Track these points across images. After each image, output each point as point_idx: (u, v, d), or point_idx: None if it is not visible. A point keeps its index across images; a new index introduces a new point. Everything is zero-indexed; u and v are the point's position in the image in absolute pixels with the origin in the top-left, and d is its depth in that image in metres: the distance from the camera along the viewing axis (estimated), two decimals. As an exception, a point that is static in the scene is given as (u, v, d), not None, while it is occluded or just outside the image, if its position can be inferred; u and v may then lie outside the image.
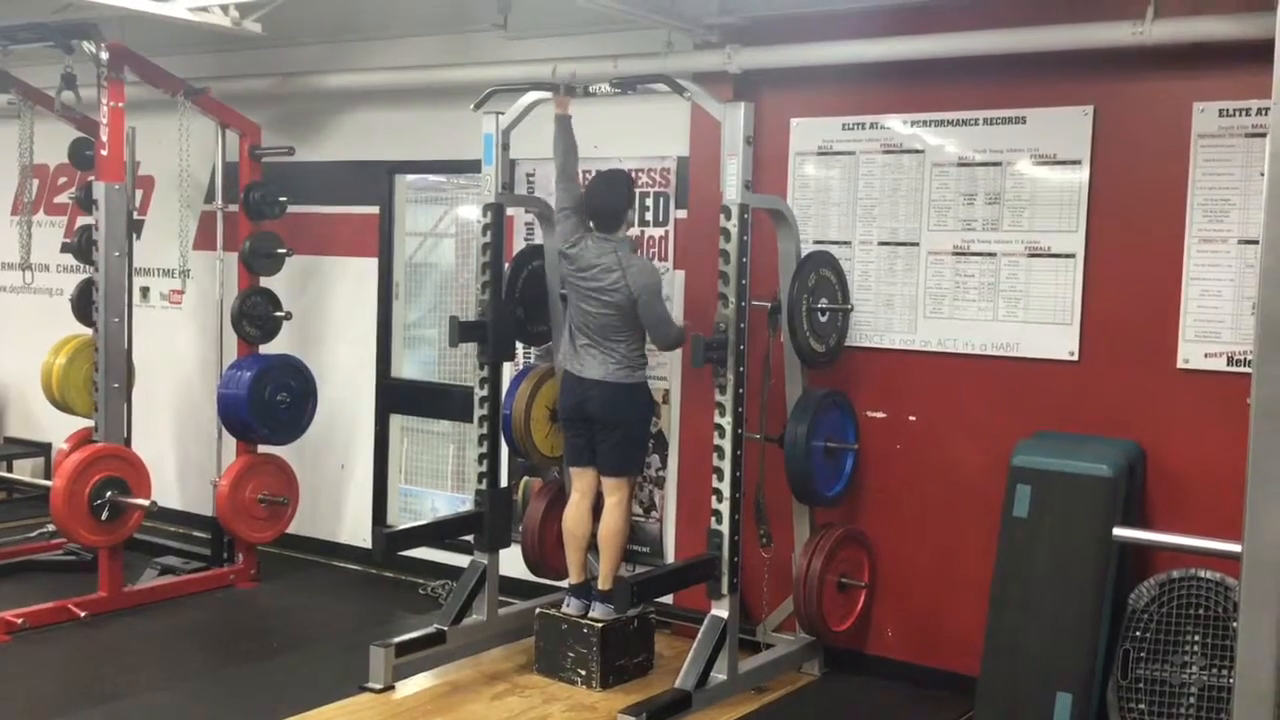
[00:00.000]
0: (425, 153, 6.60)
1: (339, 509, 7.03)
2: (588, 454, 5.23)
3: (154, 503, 5.85)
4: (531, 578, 5.84)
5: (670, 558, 5.88)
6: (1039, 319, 4.99)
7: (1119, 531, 2.86)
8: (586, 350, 5.11)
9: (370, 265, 6.84)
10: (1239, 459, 2.38)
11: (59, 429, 6.92)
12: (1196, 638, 4.36)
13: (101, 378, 5.87)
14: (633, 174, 5.55)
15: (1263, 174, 4.50)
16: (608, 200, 5.11)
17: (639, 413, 5.26)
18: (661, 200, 5.87)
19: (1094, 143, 4.86)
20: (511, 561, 5.65)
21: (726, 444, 4.76)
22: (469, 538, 5.52)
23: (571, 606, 5.19)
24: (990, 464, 4.92)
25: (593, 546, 5.28)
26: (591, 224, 5.13)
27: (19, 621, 5.60)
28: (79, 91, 6.10)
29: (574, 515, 5.29)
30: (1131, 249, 4.82)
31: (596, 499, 5.27)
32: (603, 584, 5.16)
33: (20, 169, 6.73)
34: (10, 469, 8.10)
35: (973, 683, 4.64)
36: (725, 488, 4.78)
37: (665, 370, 5.84)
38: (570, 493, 5.36)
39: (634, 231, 5.67)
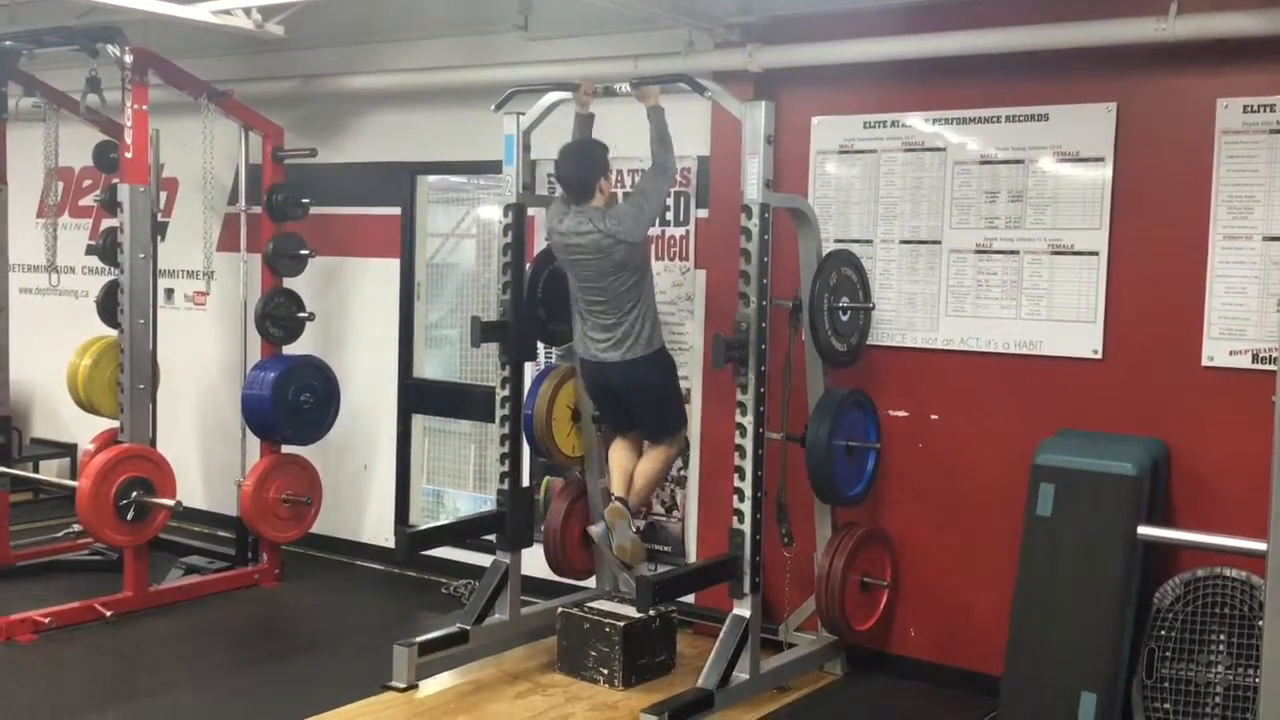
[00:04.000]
0: (446, 154, 6.62)
1: (362, 509, 7.06)
2: (626, 421, 5.27)
3: (179, 503, 5.88)
4: (553, 577, 5.85)
5: (692, 557, 5.88)
6: (1062, 317, 4.97)
7: (1144, 530, 2.84)
8: (598, 333, 5.06)
9: (392, 266, 6.87)
10: (1264, 457, 2.36)
11: (85, 430, 6.97)
12: (1222, 637, 4.33)
13: (127, 379, 5.91)
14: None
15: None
16: (575, 171, 5.03)
17: (664, 379, 5.21)
18: (682, 200, 5.87)
19: (1117, 140, 4.84)
20: (534, 561, 5.66)
21: (748, 443, 4.75)
22: (491, 537, 5.53)
23: (618, 504, 5.16)
24: (1013, 463, 4.90)
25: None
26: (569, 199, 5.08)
27: (45, 621, 5.64)
28: (103, 95, 6.14)
29: (617, 446, 5.31)
30: (1155, 246, 4.80)
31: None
32: (632, 499, 5.19)
33: (46, 172, 6.77)
34: (37, 470, 8.14)
35: (996, 682, 4.62)
36: (747, 487, 4.77)
37: (686, 370, 5.84)
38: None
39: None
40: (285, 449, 6.52)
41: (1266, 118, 4.55)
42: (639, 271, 5.01)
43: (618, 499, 5.18)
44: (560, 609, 5.32)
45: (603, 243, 4.89)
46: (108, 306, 6.37)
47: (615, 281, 4.97)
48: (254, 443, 6.54)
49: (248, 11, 5.47)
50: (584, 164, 5.04)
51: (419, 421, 6.96)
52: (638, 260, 5.00)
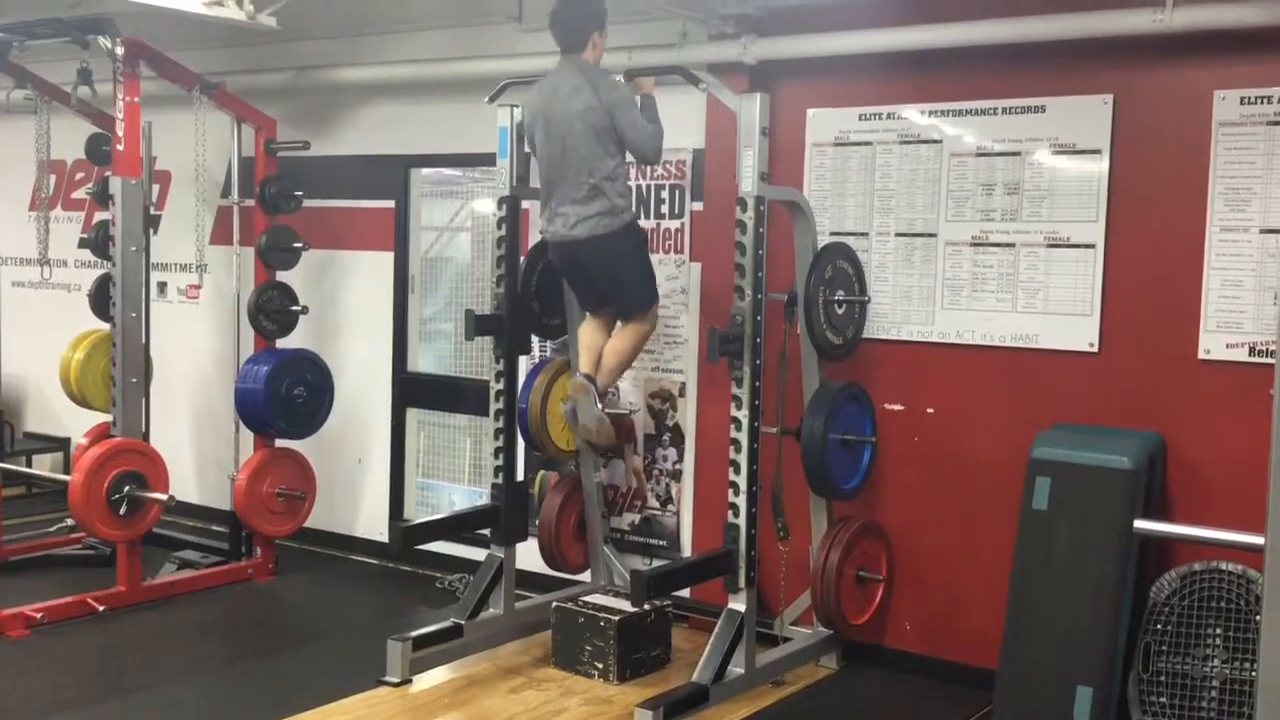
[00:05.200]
0: (441, 146, 6.59)
1: (356, 503, 7.04)
2: (594, 300, 5.12)
3: (172, 497, 5.86)
4: (548, 571, 5.85)
5: (687, 551, 5.87)
6: (1058, 310, 4.96)
7: (1140, 524, 2.83)
8: (568, 206, 4.86)
9: (386, 259, 6.84)
10: (1261, 450, 2.34)
11: (77, 424, 6.95)
12: (1218, 631, 4.32)
13: (119, 373, 5.88)
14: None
15: (1285, 162, 4.47)
16: (570, 11, 4.85)
17: (636, 252, 5.03)
18: (677, 192, 5.85)
19: (1114, 132, 4.82)
20: (528, 555, 5.65)
21: (743, 437, 4.74)
22: (485, 531, 5.51)
23: (580, 378, 5.00)
24: (1009, 456, 4.88)
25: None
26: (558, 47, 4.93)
27: (38, 616, 5.62)
28: (95, 87, 6.12)
29: (587, 326, 5.15)
30: (1152, 239, 4.78)
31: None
32: (600, 377, 5.00)
33: (38, 164, 6.75)
34: (29, 464, 8.12)
35: (992, 676, 4.61)
36: (742, 481, 4.76)
37: (681, 364, 5.82)
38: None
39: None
40: (279, 443, 6.50)
41: (1264, 109, 4.53)
42: (620, 151, 4.84)
43: (583, 375, 4.99)
44: (555, 603, 5.30)
45: (591, 116, 4.73)
46: (100, 300, 6.35)
47: (596, 144, 4.77)
48: (247, 436, 6.52)
49: (240, 3, 5.43)
50: (577, 5, 4.88)
51: (413, 415, 6.94)
52: (620, 134, 4.80)
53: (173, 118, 6.58)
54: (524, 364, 5.67)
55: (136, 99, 5.79)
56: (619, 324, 5.10)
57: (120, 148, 5.80)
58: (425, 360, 7.04)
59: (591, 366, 5.05)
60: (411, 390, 6.88)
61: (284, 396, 6.31)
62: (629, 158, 4.90)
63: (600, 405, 4.94)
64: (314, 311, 6.68)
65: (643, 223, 5.71)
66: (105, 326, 6.29)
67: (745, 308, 4.70)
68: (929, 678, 5.23)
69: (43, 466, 8.18)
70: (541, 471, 6.26)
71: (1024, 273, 5.03)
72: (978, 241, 5.13)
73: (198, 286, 7.08)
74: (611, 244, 4.88)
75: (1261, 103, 4.54)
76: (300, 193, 6.46)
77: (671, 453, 5.91)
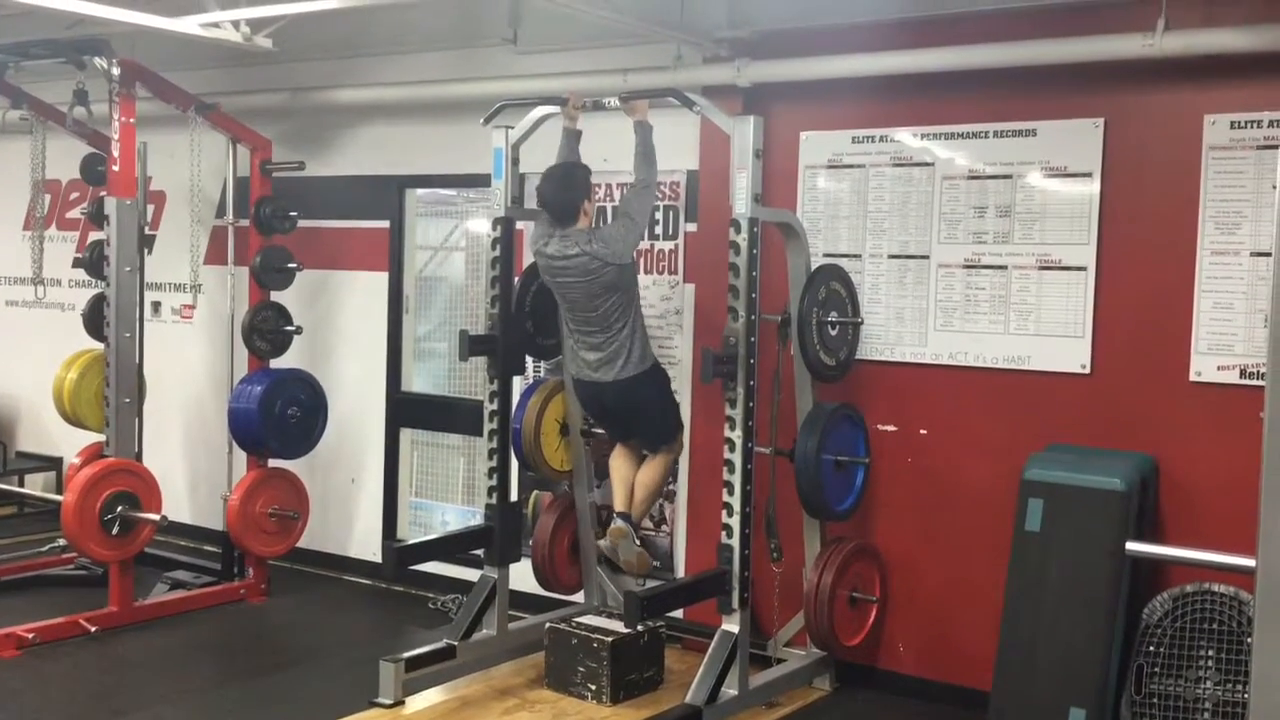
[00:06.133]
0: (435, 167, 6.61)
1: (349, 523, 7.03)
2: (621, 432, 5.32)
3: (164, 517, 5.85)
4: (541, 592, 5.83)
5: (681, 572, 5.86)
6: (1050, 332, 4.98)
7: (1132, 546, 2.83)
8: (589, 352, 5.06)
9: (380, 279, 6.85)
10: (1252, 472, 2.36)
11: (70, 443, 6.93)
12: (1211, 652, 4.32)
13: (113, 392, 5.88)
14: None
15: (1275, 186, 4.51)
16: (558, 195, 5.01)
17: (659, 394, 5.23)
18: (671, 214, 5.87)
19: (1105, 155, 4.85)
20: (522, 576, 5.64)
21: (737, 458, 4.74)
22: (479, 552, 5.51)
23: (621, 523, 5.17)
24: (1002, 477, 4.89)
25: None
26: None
27: (29, 636, 5.61)
28: (90, 107, 6.13)
29: (617, 455, 5.34)
30: (1143, 261, 4.81)
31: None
32: (635, 509, 5.23)
33: (33, 184, 6.76)
34: (22, 483, 8.11)
35: (985, 698, 4.61)
36: (736, 502, 4.77)
37: (676, 384, 5.83)
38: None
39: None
40: (272, 463, 6.49)
41: (1254, 133, 4.56)
42: (627, 291, 5.01)
43: (620, 516, 5.19)
44: (548, 624, 5.30)
45: (590, 265, 4.89)
46: (94, 319, 6.35)
47: (604, 302, 4.96)
48: (240, 456, 6.51)
49: (236, 24, 5.47)
50: (567, 187, 5.02)
51: (407, 435, 6.94)
52: (626, 280, 5.00)
53: (168, 138, 6.60)
54: (518, 384, 5.68)
55: (132, 119, 5.81)
56: (646, 454, 5.29)
57: (115, 168, 5.81)
58: (419, 380, 7.04)
59: (625, 503, 5.25)
60: (405, 410, 6.88)
61: (277, 416, 6.31)
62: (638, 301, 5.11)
63: (638, 542, 5.18)
64: (308, 331, 6.68)
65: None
66: (99, 346, 6.28)
67: (739, 329, 4.71)
68: (922, 699, 5.22)
69: (35, 486, 8.16)
70: (535, 492, 6.26)
71: (1016, 294, 5.05)
72: (970, 263, 5.15)
73: (192, 306, 7.09)
74: (633, 387, 5.07)
75: (1251, 127, 4.57)
76: (295, 213, 6.47)
77: (665, 473, 5.91)
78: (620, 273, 4.93)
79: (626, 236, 4.94)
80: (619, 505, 5.27)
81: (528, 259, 5.79)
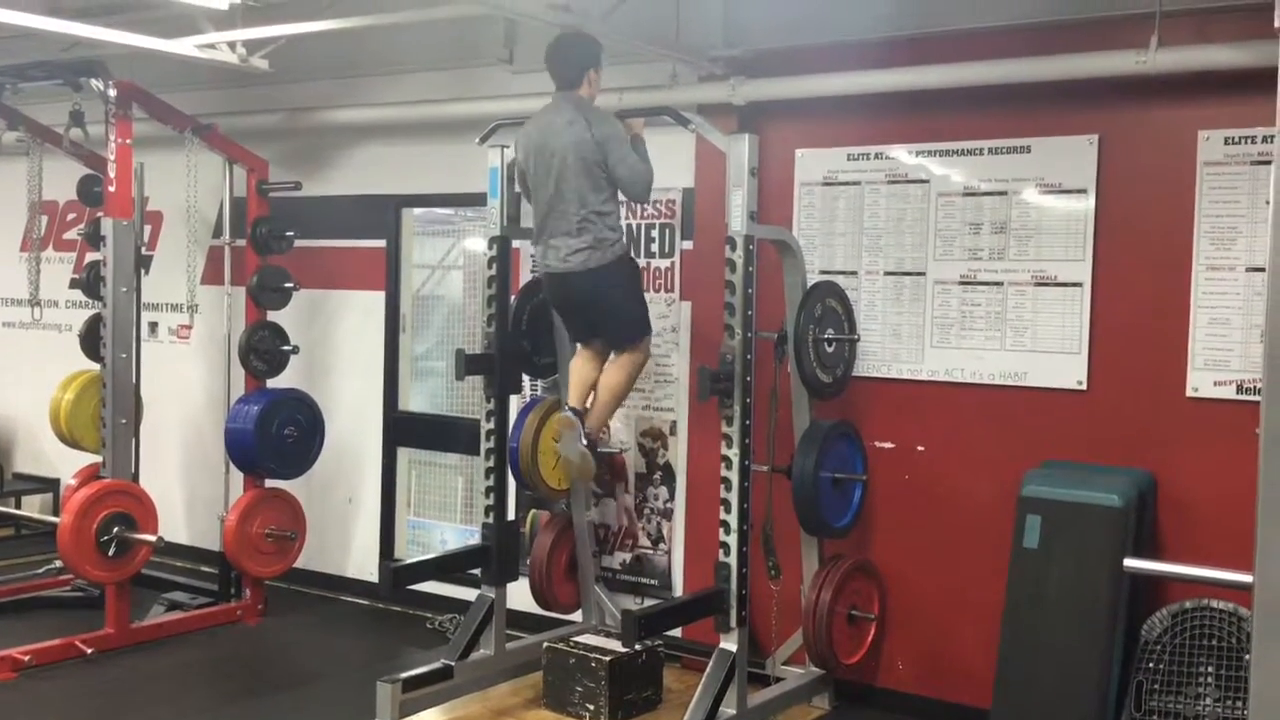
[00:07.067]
0: (432, 186, 6.62)
1: (346, 543, 7.01)
2: (586, 330, 5.11)
3: (161, 538, 5.84)
4: (539, 611, 5.82)
5: (678, 590, 5.85)
6: (1046, 348, 4.98)
7: (1130, 562, 2.82)
8: (562, 239, 4.85)
9: (377, 299, 6.85)
10: (1250, 488, 2.35)
11: (67, 464, 6.92)
12: (1210, 669, 4.31)
13: (109, 413, 5.87)
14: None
15: (1269, 202, 4.52)
16: (565, 51, 4.86)
17: (629, 285, 5.01)
18: (667, 231, 5.87)
19: (1099, 171, 4.86)
20: (519, 595, 5.63)
21: (734, 476, 4.74)
22: (476, 571, 5.49)
23: (569, 414, 4.94)
24: (999, 494, 4.89)
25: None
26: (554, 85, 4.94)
27: (25, 659, 5.58)
28: (87, 128, 6.14)
29: (579, 357, 5.12)
30: (1139, 277, 4.81)
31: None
32: (590, 422, 4.95)
33: (29, 206, 6.77)
34: (18, 505, 8.09)
35: (985, 715, 4.59)
36: (733, 520, 4.76)
37: (671, 402, 5.83)
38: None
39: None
40: (269, 483, 6.48)
41: (1248, 149, 4.58)
42: (612, 186, 4.83)
43: (570, 409, 4.97)
44: (546, 644, 5.28)
45: (584, 149, 4.73)
46: (91, 340, 6.35)
47: (585, 180, 4.78)
48: (237, 477, 6.50)
49: (232, 46, 5.49)
50: (575, 45, 4.89)
51: (404, 454, 6.93)
52: (612, 163, 4.77)
53: (164, 159, 6.61)
54: (515, 403, 5.68)
55: (128, 140, 5.82)
56: (611, 355, 5.09)
57: (112, 189, 5.82)
58: (416, 399, 7.03)
59: (580, 400, 5.04)
60: (402, 429, 6.88)
61: (274, 436, 6.30)
62: (621, 196, 4.92)
63: (585, 441, 4.90)
64: (305, 351, 6.68)
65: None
66: (95, 367, 6.28)
67: (735, 346, 4.71)
68: (921, 717, 5.20)
69: (32, 508, 8.15)
70: (533, 510, 6.24)
71: (1012, 311, 5.05)
72: (966, 280, 5.16)
73: (189, 326, 7.08)
74: (603, 276, 4.86)
75: (1245, 142, 4.58)
76: (292, 233, 6.47)
77: (663, 491, 5.91)
78: (605, 156, 4.73)
79: (625, 151, 4.76)
80: (572, 400, 5.04)
81: (525, 278, 5.81)
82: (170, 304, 7.35)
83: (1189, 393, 4.69)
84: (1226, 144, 4.61)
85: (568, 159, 4.78)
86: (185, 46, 5.39)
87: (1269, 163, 4.51)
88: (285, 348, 6.49)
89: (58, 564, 6.60)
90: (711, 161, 5.27)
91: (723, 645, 4.80)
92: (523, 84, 6.07)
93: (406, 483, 6.96)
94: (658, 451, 5.93)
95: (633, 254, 5.11)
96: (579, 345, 5.22)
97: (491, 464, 5.39)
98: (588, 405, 5.03)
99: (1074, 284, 4.92)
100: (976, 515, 5.09)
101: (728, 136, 4.83)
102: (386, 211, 6.80)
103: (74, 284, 6.88)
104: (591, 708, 5.05)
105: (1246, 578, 2.29)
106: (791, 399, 5.15)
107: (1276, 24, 3.06)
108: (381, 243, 6.83)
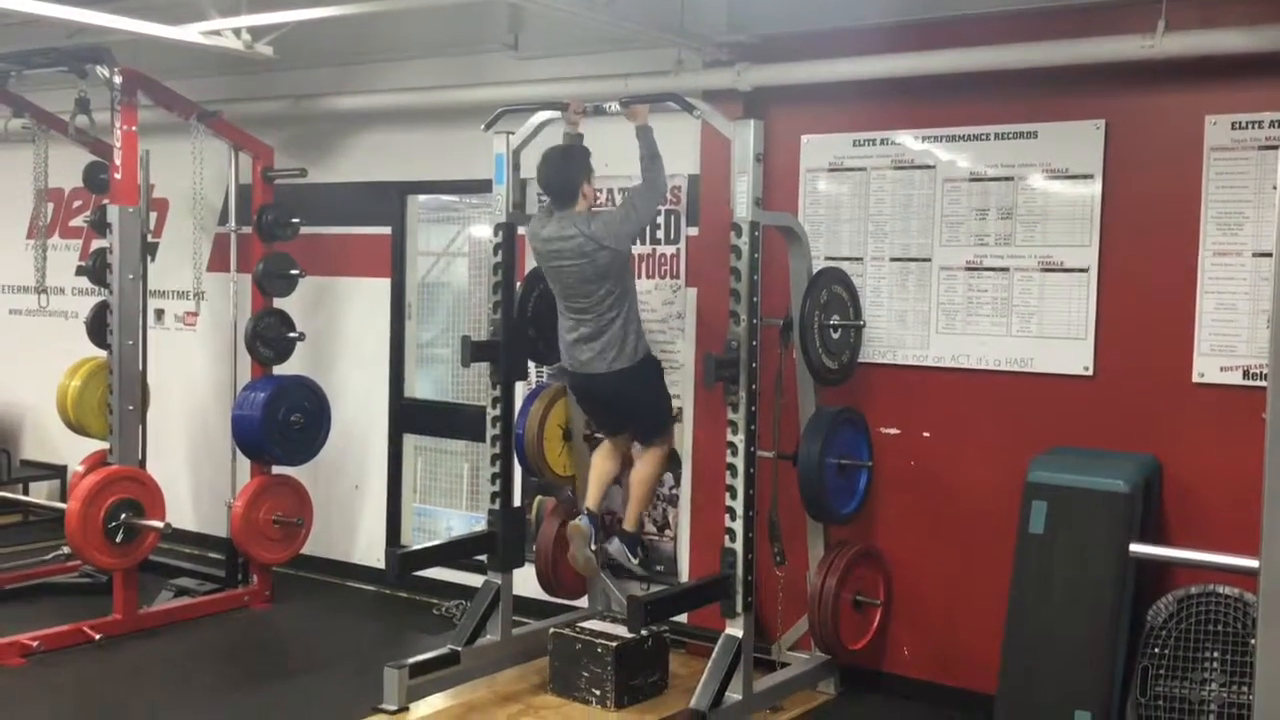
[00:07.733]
0: (437, 173, 6.62)
1: (353, 529, 7.03)
2: (612, 425, 5.31)
3: (168, 525, 5.85)
4: (545, 597, 5.83)
5: (685, 576, 5.86)
6: (1053, 334, 4.97)
7: (1136, 548, 2.82)
8: (582, 343, 5.02)
9: (383, 285, 6.86)
10: (1256, 473, 2.35)
11: (74, 451, 6.94)
12: (1216, 654, 4.32)
13: (116, 400, 5.89)
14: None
15: (1276, 187, 4.51)
16: (557, 174, 5.01)
17: (652, 386, 5.22)
18: (673, 218, 5.87)
19: (1106, 156, 4.85)
20: (525, 581, 5.64)
21: (740, 462, 4.74)
22: (483, 557, 5.51)
23: (583, 522, 5.10)
24: (1005, 480, 4.88)
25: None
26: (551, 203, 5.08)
27: (33, 644, 5.60)
28: (93, 115, 6.13)
29: (602, 452, 5.34)
30: (1145, 263, 4.80)
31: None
32: (627, 524, 5.25)
33: (35, 193, 6.78)
34: (26, 491, 8.11)
35: (990, 701, 4.60)
36: (739, 506, 4.76)
37: (678, 389, 5.83)
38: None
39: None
40: (276, 469, 6.50)
41: (1255, 134, 4.56)
42: (621, 280, 4.98)
43: (586, 513, 5.17)
44: (552, 629, 5.29)
45: (586, 247, 4.87)
46: (97, 327, 6.35)
47: (598, 289, 4.93)
48: (244, 463, 6.52)
49: (237, 32, 5.48)
50: (566, 166, 5.02)
51: (410, 441, 6.94)
52: (620, 267, 4.96)
53: (170, 146, 6.61)
54: (520, 389, 5.68)
55: (134, 127, 5.82)
56: (637, 446, 5.29)
57: (118, 176, 5.82)
58: (422, 386, 7.04)
59: (596, 501, 5.22)
60: (408, 416, 6.89)
61: (281, 423, 6.31)
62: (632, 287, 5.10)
63: (593, 547, 5.12)
64: (311, 338, 6.69)
65: (638, 249, 5.74)
66: (102, 354, 6.29)
67: (741, 333, 4.71)
68: (927, 703, 5.22)
69: (39, 494, 8.16)
70: (539, 496, 6.25)
71: (1018, 297, 5.04)
72: (972, 266, 5.15)
73: (195, 314, 7.10)
74: (626, 379, 5.04)
75: (1253, 127, 4.56)
76: (297, 220, 6.47)
77: (668, 478, 5.91)
78: (615, 258, 4.91)
79: (625, 221, 4.93)
80: (589, 501, 5.25)
81: (530, 264, 5.80)
82: (176, 291, 7.35)
83: (1195, 378, 4.68)
84: (1234, 129, 4.59)
85: (574, 269, 4.93)
86: (190, 33, 5.38)
87: (1276, 148, 4.50)
88: (291, 335, 6.49)
89: (66, 550, 6.63)
90: (717, 148, 5.26)
91: (729, 631, 4.81)
92: (528, 70, 6.07)
93: (413, 469, 6.98)
94: (663, 438, 5.92)
95: (653, 353, 5.33)
96: (604, 438, 5.38)
97: (497, 450, 5.39)
98: (602, 505, 5.26)
99: (1080, 269, 4.91)
100: (982, 501, 5.09)
101: (733, 122, 4.82)
102: (392, 198, 6.79)
103: (80, 271, 6.91)
104: (598, 693, 5.07)
105: (1252, 563, 2.29)
106: (797, 385, 5.15)
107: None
108: (387, 230, 6.83)
